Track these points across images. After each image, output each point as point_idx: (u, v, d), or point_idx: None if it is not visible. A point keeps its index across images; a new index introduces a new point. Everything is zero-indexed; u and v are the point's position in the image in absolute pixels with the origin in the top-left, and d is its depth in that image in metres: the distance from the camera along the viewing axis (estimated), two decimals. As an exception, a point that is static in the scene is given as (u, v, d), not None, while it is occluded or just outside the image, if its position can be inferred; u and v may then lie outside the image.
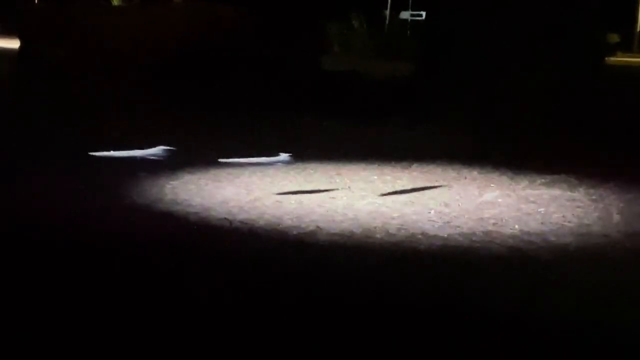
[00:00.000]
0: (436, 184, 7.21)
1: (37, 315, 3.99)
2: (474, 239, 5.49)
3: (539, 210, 6.32)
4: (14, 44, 18.55)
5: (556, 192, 6.98)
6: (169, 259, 4.97)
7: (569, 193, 6.94)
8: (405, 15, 33.26)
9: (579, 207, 6.48)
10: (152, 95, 12.31)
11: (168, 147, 7.35)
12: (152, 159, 7.18)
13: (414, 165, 8.00)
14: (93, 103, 11.62)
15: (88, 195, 6.46)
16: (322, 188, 6.92)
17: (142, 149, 7.44)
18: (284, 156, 7.34)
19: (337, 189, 6.91)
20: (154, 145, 7.46)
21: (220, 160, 7.45)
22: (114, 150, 7.35)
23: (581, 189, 7.08)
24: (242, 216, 5.90)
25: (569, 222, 6.00)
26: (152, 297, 4.31)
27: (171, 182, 6.94)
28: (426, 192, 6.89)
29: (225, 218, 5.84)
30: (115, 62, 14.55)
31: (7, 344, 3.66)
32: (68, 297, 4.25)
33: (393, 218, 5.97)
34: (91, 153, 7.28)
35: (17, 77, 15.60)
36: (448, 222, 5.88)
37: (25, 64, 15.90)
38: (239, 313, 4.11)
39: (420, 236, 5.52)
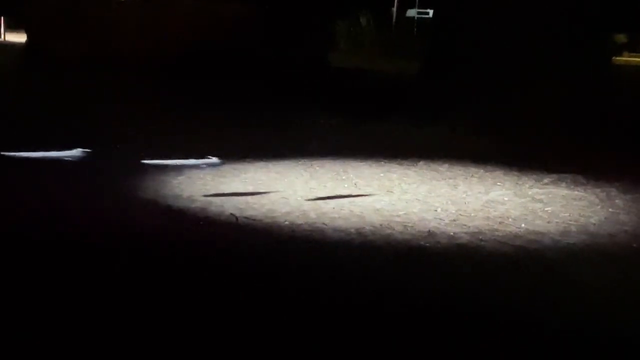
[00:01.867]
0: (443, 182, 7.20)
1: (42, 314, 3.99)
2: (480, 237, 5.48)
3: (546, 209, 6.31)
4: (22, 38, 18.61)
5: (563, 191, 6.97)
6: (175, 254, 4.98)
7: (575, 192, 6.93)
8: (412, 13, 33.22)
9: (585, 206, 6.47)
10: (156, 93, 12.32)
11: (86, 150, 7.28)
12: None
13: (421, 163, 7.99)
14: (92, 97, 11.62)
15: (91, 191, 6.46)
16: (328, 185, 6.92)
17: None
18: (214, 159, 7.30)
19: (344, 186, 6.90)
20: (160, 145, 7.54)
21: (144, 161, 7.33)
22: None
23: (588, 188, 7.07)
24: (248, 212, 5.90)
25: (576, 221, 5.99)
26: (158, 293, 4.31)
27: (177, 178, 6.94)
28: (433, 190, 6.89)
29: (231, 214, 5.84)
30: (121, 58, 14.57)
31: (17, 343, 3.66)
32: (75, 295, 4.25)
33: (399, 216, 5.96)
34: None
35: (22, 71, 15.62)
36: (454, 220, 5.87)
37: (31, 58, 15.94)
38: (244, 309, 4.11)
39: (426, 234, 5.51)
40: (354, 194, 6.64)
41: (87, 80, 13.20)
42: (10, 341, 3.62)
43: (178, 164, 7.35)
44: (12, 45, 20.37)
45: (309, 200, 6.33)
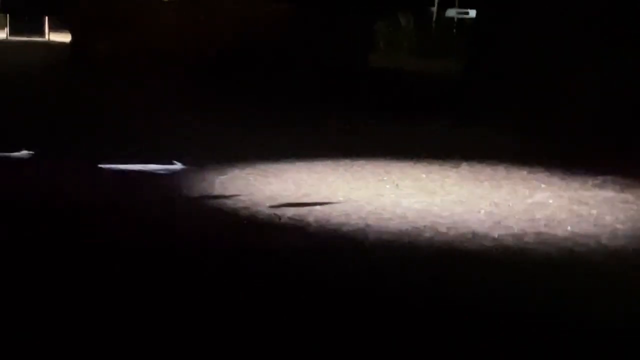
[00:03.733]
0: (486, 184, 7.14)
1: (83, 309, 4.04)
2: (525, 240, 5.42)
3: (591, 212, 6.22)
4: (66, 38, 18.84)
5: (609, 193, 6.86)
6: (219, 254, 5.00)
7: (622, 195, 6.82)
8: (451, 13, 33.07)
9: (632, 209, 6.36)
10: (198, 92, 12.38)
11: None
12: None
13: (463, 164, 7.92)
14: (133, 101, 11.68)
15: (136, 189, 6.52)
16: (370, 186, 6.90)
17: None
18: (177, 165, 7.13)
19: (386, 187, 6.88)
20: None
21: (101, 165, 7.10)
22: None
23: (634, 191, 6.95)
24: (291, 212, 5.90)
25: (622, 224, 5.90)
26: (201, 292, 4.33)
27: (220, 177, 6.97)
28: (475, 191, 6.83)
29: (274, 214, 5.85)
30: (163, 58, 14.67)
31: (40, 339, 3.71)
32: (119, 292, 4.29)
33: (442, 217, 5.92)
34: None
35: (67, 71, 15.80)
36: (498, 223, 5.82)
37: (76, 58, 16.12)
38: (289, 308, 4.12)
39: (470, 236, 5.46)
40: (395, 194, 6.61)
41: (136, 83, 13.25)
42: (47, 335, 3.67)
43: (138, 169, 7.11)
44: (57, 46, 20.65)
45: (350, 201, 6.32)
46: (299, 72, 13.72)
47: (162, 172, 7.06)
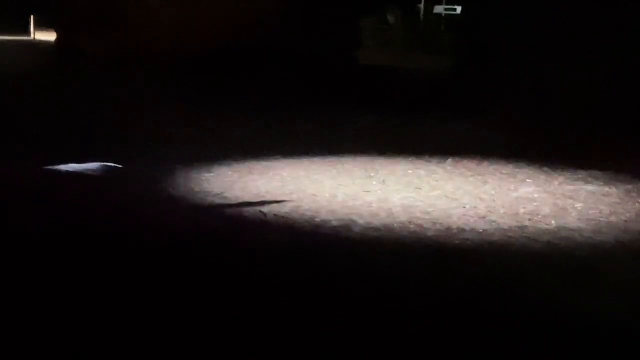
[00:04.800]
0: (471, 179, 7.16)
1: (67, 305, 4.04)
2: (509, 234, 5.45)
3: (576, 205, 6.26)
4: (51, 36, 18.77)
5: (593, 187, 6.90)
6: (204, 250, 5.00)
7: (606, 188, 6.86)
8: (439, 9, 33.07)
9: (616, 202, 6.40)
10: (181, 91, 12.34)
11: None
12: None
13: (449, 160, 7.95)
14: (119, 100, 11.64)
15: (122, 186, 6.51)
16: (356, 182, 6.91)
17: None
18: (111, 165, 6.92)
19: (372, 183, 6.89)
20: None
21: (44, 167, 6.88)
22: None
23: (619, 185, 7.00)
24: (276, 209, 5.91)
25: (606, 217, 5.94)
26: (186, 289, 4.34)
27: (205, 175, 6.98)
28: (461, 186, 6.86)
29: (260, 210, 5.86)
30: (149, 56, 14.61)
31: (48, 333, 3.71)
32: (104, 288, 4.29)
33: (427, 212, 5.94)
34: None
35: (52, 70, 15.73)
36: (483, 217, 5.85)
37: (61, 56, 16.06)
38: (274, 304, 4.13)
39: (455, 230, 5.49)
40: (382, 190, 6.63)
41: (125, 80, 13.19)
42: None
43: (72, 169, 6.93)
44: (42, 44, 20.57)
45: (337, 197, 6.33)
46: (286, 69, 13.71)
47: (93, 171, 6.87)
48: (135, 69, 14.02)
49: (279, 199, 6.21)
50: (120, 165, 7.02)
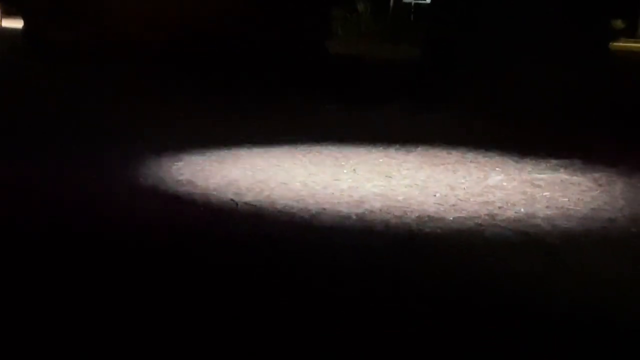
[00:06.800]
0: (441, 167, 7.20)
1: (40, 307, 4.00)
2: (479, 222, 5.49)
3: (544, 194, 6.31)
4: (16, 23, 18.50)
5: (562, 176, 6.97)
6: (175, 240, 4.98)
7: (574, 177, 6.93)
8: (409, -1, 32.97)
9: (584, 191, 6.47)
10: (152, 80, 12.24)
11: None
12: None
13: (419, 149, 7.99)
14: (95, 88, 11.54)
15: (93, 179, 6.45)
16: (327, 171, 6.92)
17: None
18: None
19: (343, 172, 6.90)
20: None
21: None
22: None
23: (587, 174, 7.07)
24: (247, 198, 5.90)
25: (575, 206, 6.00)
26: (158, 280, 4.31)
27: (176, 164, 6.94)
28: (432, 175, 6.89)
29: (231, 199, 5.84)
30: (117, 45, 14.44)
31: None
32: (75, 283, 4.26)
33: (398, 201, 5.97)
34: None
35: (20, 60, 15.52)
36: (453, 205, 5.88)
37: (29, 46, 15.82)
38: (245, 294, 4.12)
39: (425, 219, 5.51)
40: (353, 179, 6.64)
41: (97, 71, 13.02)
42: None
43: None
44: (9, 32, 20.27)
45: (308, 185, 6.33)
46: (255, 58, 13.66)
47: None
48: (106, 59, 13.86)
49: (250, 188, 6.19)
50: None
